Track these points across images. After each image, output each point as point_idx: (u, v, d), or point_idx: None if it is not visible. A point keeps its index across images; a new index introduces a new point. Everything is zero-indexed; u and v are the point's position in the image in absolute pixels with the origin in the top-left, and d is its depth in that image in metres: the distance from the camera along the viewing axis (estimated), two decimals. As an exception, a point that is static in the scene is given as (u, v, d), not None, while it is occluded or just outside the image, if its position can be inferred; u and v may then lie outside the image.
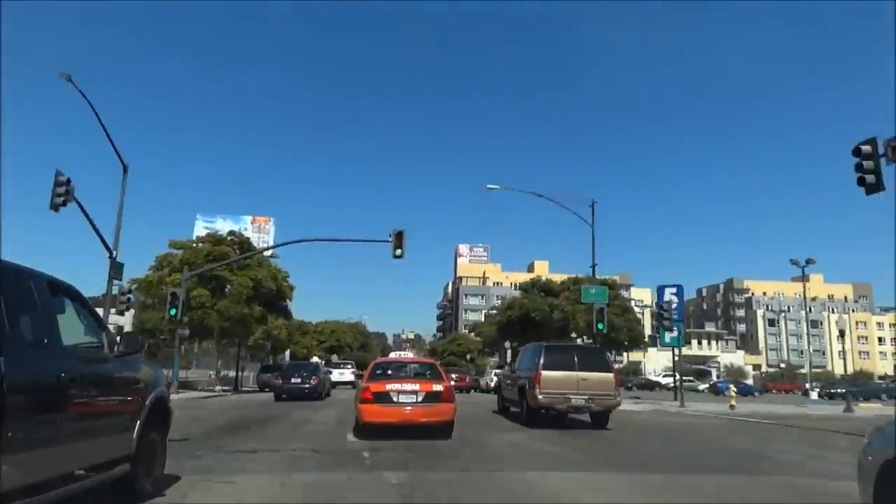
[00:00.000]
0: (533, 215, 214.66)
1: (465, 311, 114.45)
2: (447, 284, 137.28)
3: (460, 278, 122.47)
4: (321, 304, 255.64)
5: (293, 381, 24.89)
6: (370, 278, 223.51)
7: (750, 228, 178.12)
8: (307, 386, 24.70)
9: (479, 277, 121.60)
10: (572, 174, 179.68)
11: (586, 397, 13.90)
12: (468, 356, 77.29)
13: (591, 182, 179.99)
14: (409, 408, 11.15)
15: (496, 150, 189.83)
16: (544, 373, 13.94)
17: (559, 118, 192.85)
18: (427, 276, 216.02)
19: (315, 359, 57.83)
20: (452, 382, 29.72)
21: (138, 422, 5.29)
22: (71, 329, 4.60)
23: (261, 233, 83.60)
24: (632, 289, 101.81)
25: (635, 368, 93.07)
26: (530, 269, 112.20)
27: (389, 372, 12.71)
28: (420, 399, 11.24)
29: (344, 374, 44.06)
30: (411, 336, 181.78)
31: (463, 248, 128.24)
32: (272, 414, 17.38)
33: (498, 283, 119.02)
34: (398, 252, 25.00)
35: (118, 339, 5.19)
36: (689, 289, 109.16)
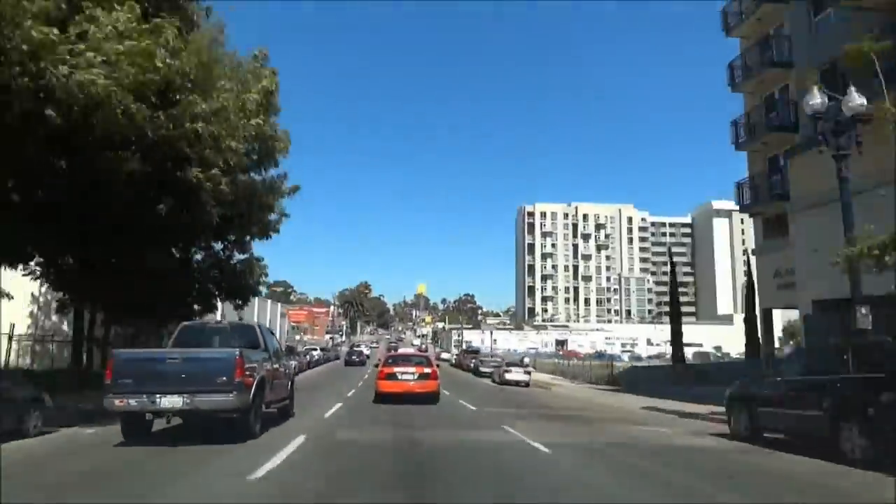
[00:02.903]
0: None
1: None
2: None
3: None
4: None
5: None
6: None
7: None
8: None
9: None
10: None
11: None
12: None
13: None
14: (410, 382, 18.16)
15: None
16: None
17: None
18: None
19: None
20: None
21: (291, 382, 12.42)
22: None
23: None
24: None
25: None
26: None
27: (397, 361, 19.71)
28: (416, 377, 18.21)
29: None
30: (422, 290, 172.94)
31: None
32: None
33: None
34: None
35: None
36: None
